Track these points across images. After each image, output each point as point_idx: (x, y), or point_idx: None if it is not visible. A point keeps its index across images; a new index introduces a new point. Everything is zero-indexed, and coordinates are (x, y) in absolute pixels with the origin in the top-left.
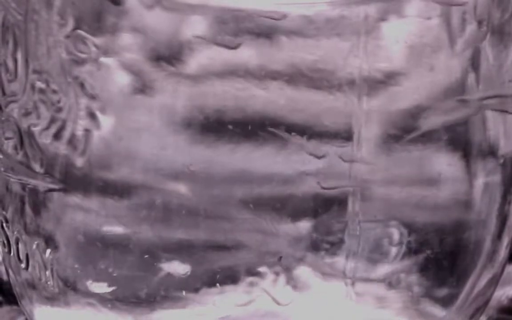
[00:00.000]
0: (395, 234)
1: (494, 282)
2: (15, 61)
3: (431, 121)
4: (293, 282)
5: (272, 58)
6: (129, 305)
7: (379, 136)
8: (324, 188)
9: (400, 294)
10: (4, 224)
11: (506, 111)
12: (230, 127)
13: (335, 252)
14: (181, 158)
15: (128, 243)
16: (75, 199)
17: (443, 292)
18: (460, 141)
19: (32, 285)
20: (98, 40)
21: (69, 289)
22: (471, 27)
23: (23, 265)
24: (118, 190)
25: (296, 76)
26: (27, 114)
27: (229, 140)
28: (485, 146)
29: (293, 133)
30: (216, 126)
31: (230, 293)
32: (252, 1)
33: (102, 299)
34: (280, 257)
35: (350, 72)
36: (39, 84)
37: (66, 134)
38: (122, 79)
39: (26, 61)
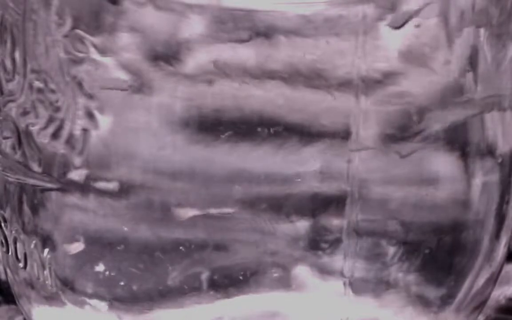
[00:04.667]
0: (393, 233)
1: (492, 281)
2: (13, 60)
3: (433, 125)
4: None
5: (270, 58)
6: (127, 304)
7: (377, 135)
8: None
9: (398, 294)
10: (2, 224)
11: (504, 111)
12: (228, 126)
13: (333, 251)
14: (179, 157)
15: (126, 243)
16: (73, 198)
17: (441, 291)
18: (458, 140)
19: (30, 285)
20: (96, 40)
21: (67, 289)
22: (469, 27)
23: (21, 265)
24: (116, 189)
25: (294, 76)
26: (25, 113)
27: (227, 140)
28: (483, 145)
29: (291, 133)
30: (214, 126)
31: (229, 292)
32: (250, 0)
33: (100, 299)
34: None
35: (348, 72)
36: (37, 84)
37: (64, 133)
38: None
39: (24, 61)
